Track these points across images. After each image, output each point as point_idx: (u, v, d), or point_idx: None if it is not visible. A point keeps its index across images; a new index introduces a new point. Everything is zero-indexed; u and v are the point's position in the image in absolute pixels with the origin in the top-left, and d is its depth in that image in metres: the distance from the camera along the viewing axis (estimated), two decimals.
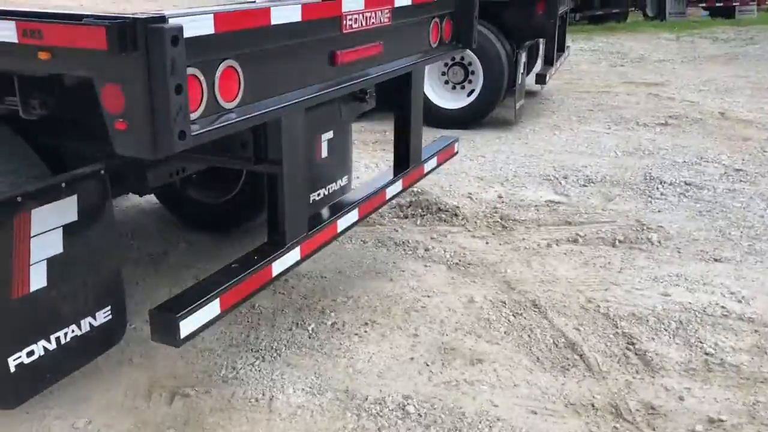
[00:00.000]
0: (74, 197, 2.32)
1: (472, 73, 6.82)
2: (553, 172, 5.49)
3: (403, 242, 4.14)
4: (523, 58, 6.64)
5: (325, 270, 3.77)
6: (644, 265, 3.83)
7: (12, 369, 2.23)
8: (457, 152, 4.04)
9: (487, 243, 4.15)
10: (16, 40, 1.81)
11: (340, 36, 2.58)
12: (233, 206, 4.06)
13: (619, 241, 4.13)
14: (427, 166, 3.63)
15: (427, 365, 2.91)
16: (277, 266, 2.47)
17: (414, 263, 3.87)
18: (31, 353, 2.28)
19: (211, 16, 1.92)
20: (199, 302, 2.12)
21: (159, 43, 1.70)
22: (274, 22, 2.19)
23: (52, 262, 2.29)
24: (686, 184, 5.12)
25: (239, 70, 2.12)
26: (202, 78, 1.97)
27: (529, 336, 3.14)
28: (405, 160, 3.42)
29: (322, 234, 2.75)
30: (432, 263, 3.88)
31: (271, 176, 2.51)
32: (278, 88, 2.33)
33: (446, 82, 7.03)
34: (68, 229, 2.31)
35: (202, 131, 1.99)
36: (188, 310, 2.09)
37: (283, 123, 2.42)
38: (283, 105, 2.30)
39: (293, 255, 2.56)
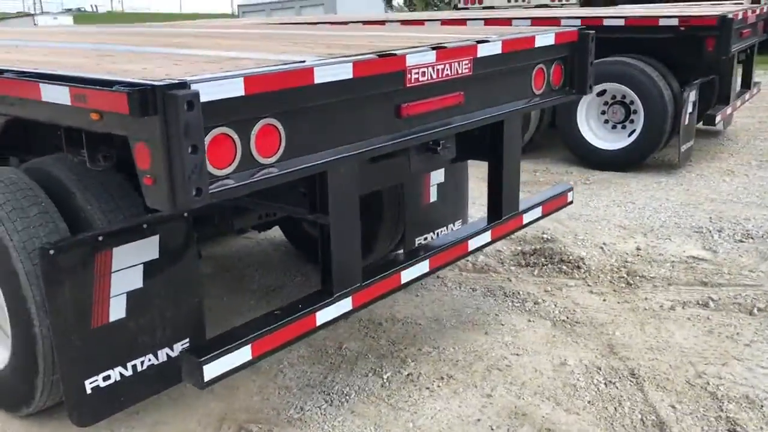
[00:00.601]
0: (156, 237, 2.53)
1: (634, 112, 6.42)
2: (708, 223, 4.99)
3: (514, 293, 3.99)
4: (692, 96, 6.14)
5: (423, 316, 3.74)
6: None
7: (88, 391, 2.47)
8: (570, 202, 3.82)
9: (604, 300, 3.87)
10: (69, 103, 2.04)
11: (403, 90, 2.58)
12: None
13: (759, 309, 3.65)
14: (528, 217, 3.48)
15: (492, 429, 2.78)
16: (322, 315, 2.50)
17: (517, 317, 3.72)
18: (107, 378, 2.51)
19: (241, 79, 2.03)
20: (227, 348, 2.22)
21: (174, 107, 1.83)
22: (318, 80, 2.25)
23: (131, 296, 2.51)
24: None
25: (280, 127, 2.20)
26: (235, 136, 2.08)
27: (615, 409, 2.87)
28: (497, 209, 3.32)
29: (380, 285, 2.75)
30: (537, 318, 3.70)
31: (322, 226, 2.57)
32: (329, 142, 2.38)
33: (606, 122, 6.69)
34: (149, 266, 2.53)
35: (235, 185, 2.09)
36: (213, 355, 2.19)
37: (329, 176, 2.46)
38: (328, 159, 2.34)
39: (343, 305, 2.58)
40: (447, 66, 2.74)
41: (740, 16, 6.25)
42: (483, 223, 3.30)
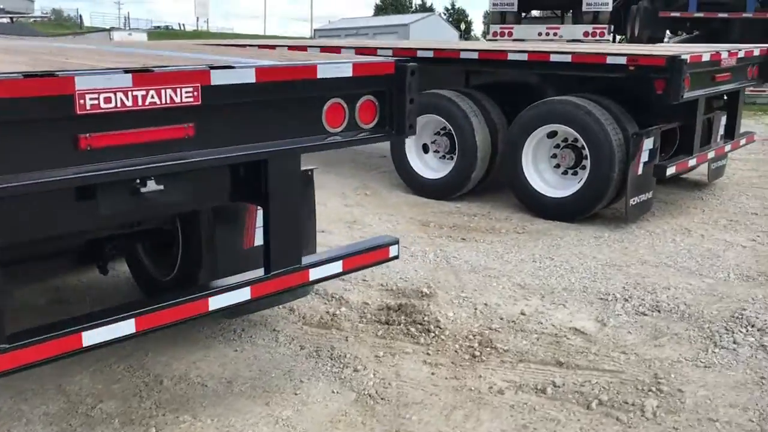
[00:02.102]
0: None
1: (586, 157, 5.82)
2: (619, 290, 4.36)
3: (341, 356, 3.49)
4: (647, 144, 5.50)
5: (218, 376, 3.29)
6: None
7: None
8: (394, 257, 3.30)
9: (432, 374, 3.33)
10: None
11: (78, 117, 2.18)
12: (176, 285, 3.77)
13: (599, 403, 3.04)
14: (318, 273, 2.98)
15: None
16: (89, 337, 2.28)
17: (324, 386, 3.22)
18: None
19: None
20: None
21: None
22: None
23: None
24: None
25: None
26: None
27: None
28: (268, 263, 2.85)
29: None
30: (344, 390, 3.19)
31: None
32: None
33: (557, 166, 6.10)
34: None
35: None
36: None
37: None
38: None
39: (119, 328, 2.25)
40: (155, 93, 2.32)
41: (705, 58, 5.59)
42: (242, 278, 2.82)
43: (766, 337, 3.68)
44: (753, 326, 3.80)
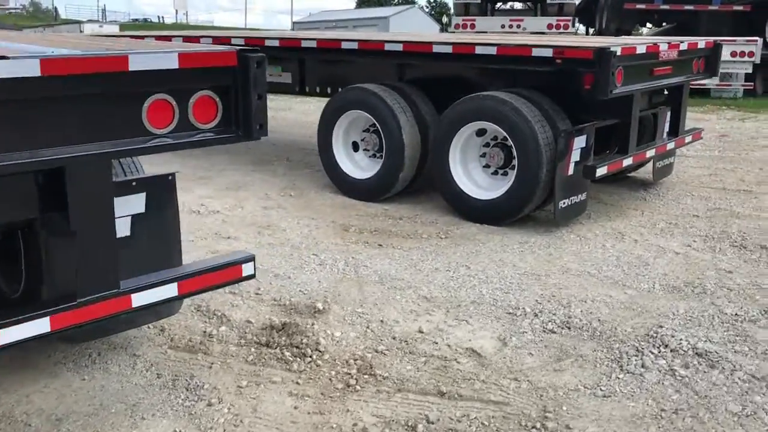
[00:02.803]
0: None
1: (516, 157, 5.44)
2: (532, 303, 3.99)
3: (200, 386, 3.09)
4: (578, 143, 5.13)
5: (43, 413, 2.88)
6: None
7: None
8: (249, 276, 2.89)
9: (295, 408, 2.94)
10: None
11: None
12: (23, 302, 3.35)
13: None
14: (142, 298, 2.57)
15: None
16: None
17: (166, 425, 2.81)
18: None
19: None
20: None
21: None
22: None
23: None
24: (698, 355, 3.35)
25: None
26: None
27: None
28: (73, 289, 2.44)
29: None
30: (190, 429, 2.79)
31: None
32: None
33: (487, 166, 5.72)
34: None
35: None
36: None
37: None
38: None
39: None
40: None
41: (640, 51, 5.23)
42: (41, 307, 2.41)
43: (677, 359, 3.32)
44: (666, 346, 3.44)
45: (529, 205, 5.34)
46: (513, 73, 5.73)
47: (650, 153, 5.83)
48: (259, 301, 4.04)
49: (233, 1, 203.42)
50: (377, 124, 6.09)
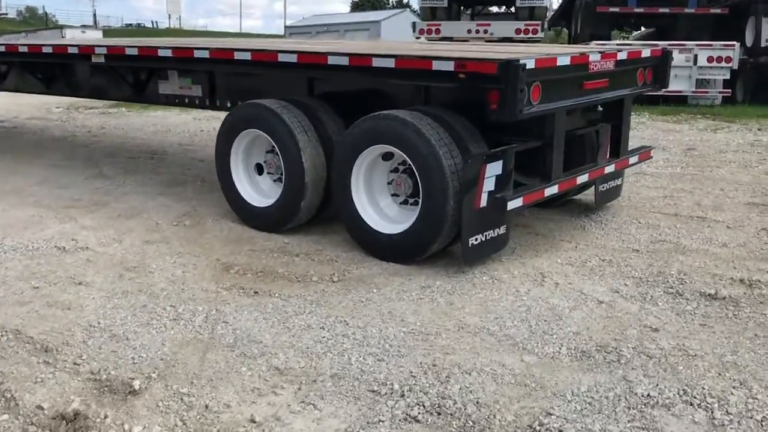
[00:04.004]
0: None
1: (420, 186, 4.68)
2: (404, 378, 3.24)
3: None
4: (491, 169, 4.38)
5: None
6: None
7: None
8: None
9: None
10: None
11: None
12: None
13: None
14: None
15: None
16: None
17: None
18: None
19: None
20: None
21: None
22: None
23: None
24: None
25: None
26: None
27: None
28: None
29: None
30: None
31: None
32: None
33: (395, 195, 4.98)
34: None
35: None
36: None
37: None
38: None
39: None
40: None
41: (563, 62, 4.49)
42: None
43: None
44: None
45: (437, 242, 4.58)
46: (426, 88, 5.00)
47: (582, 179, 5.07)
48: (73, 374, 3.30)
49: (232, 6, 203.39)
50: (274, 145, 5.34)
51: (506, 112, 4.08)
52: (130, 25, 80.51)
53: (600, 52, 4.90)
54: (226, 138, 5.63)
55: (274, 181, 5.64)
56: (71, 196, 6.65)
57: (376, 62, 4.61)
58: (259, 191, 5.69)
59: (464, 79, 4.24)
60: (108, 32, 53.68)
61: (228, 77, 6.44)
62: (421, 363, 3.39)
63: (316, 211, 5.46)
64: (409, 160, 4.56)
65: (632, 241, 5.26)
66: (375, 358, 3.45)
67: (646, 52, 5.56)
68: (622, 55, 5.16)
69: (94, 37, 38.42)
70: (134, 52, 6.21)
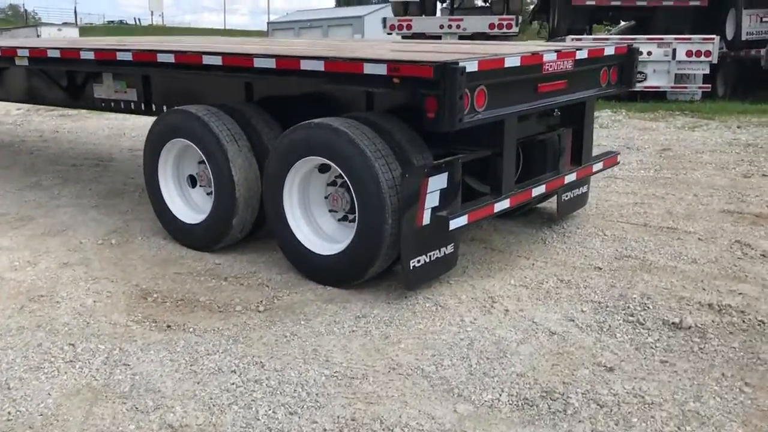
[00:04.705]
0: None
1: (356, 202, 4.21)
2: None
3: None
4: (434, 183, 3.92)
5: None
6: None
7: None
8: None
9: None
10: None
11: None
12: None
13: None
14: None
15: None
16: None
17: None
18: None
19: None
20: None
21: None
22: None
23: None
24: None
25: None
26: None
27: None
28: None
29: None
30: None
31: None
32: None
33: (333, 211, 4.52)
34: None
35: None
36: None
37: None
38: None
39: None
40: None
41: (511, 63, 4.03)
42: None
43: None
44: None
45: (375, 264, 4.12)
46: (369, 94, 4.53)
47: (538, 191, 4.62)
48: None
49: (218, 2, 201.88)
50: (203, 156, 4.86)
51: (444, 120, 3.61)
52: (112, 22, 79.50)
53: (556, 51, 4.45)
54: (152, 147, 5.14)
55: (207, 194, 5.16)
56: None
57: (305, 65, 4.13)
58: (192, 206, 5.21)
59: (399, 84, 3.77)
60: (87, 30, 52.84)
61: (163, 80, 5.94)
62: (338, 417, 2.93)
63: (252, 227, 4.99)
64: (342, 173, 4.10)
65: (595, 257, 4.82)
66: (286, 411, 2.99)
67: (609, 50, 5.11)
68: (581, 54, 4.71)
69: (69, 35, 37.63)
70: (56, 54, 5.70)
